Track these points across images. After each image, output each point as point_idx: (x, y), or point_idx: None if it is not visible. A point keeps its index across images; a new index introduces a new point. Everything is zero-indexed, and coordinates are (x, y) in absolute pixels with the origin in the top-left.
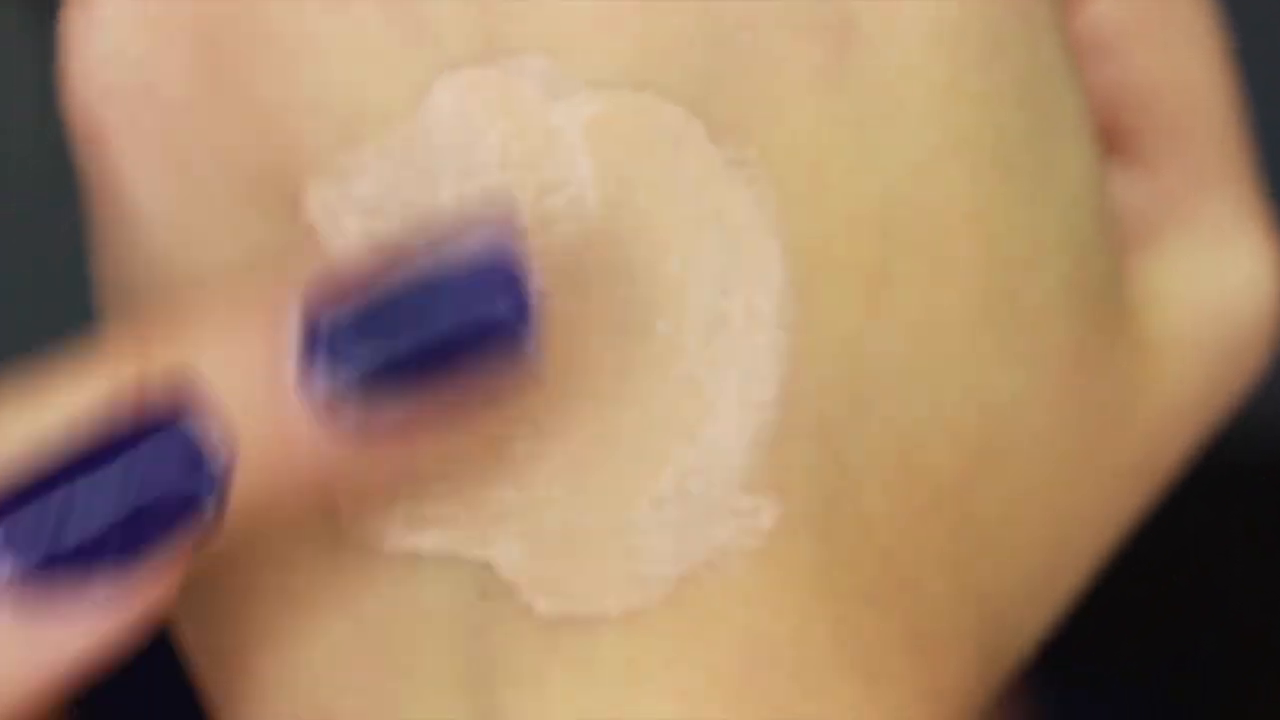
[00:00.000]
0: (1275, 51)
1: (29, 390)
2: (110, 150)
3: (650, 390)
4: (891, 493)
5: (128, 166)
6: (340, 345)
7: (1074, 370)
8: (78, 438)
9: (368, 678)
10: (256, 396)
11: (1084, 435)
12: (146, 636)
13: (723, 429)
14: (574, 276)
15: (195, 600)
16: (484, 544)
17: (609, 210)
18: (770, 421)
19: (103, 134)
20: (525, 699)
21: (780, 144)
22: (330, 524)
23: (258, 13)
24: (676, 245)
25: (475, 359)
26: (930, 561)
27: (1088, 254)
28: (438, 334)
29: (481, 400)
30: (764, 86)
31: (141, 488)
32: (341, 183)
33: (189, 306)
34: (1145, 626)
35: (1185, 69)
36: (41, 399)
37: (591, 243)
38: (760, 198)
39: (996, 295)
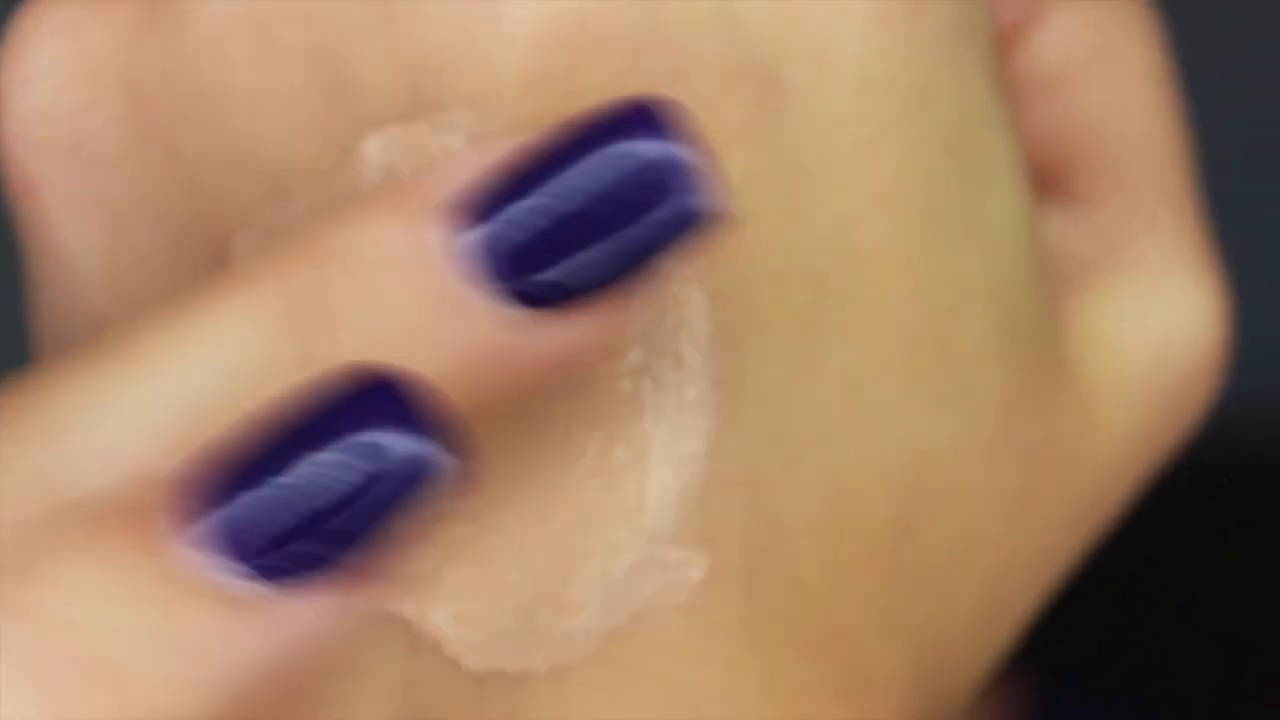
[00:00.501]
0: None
1: (168, 339)
2: (42, 203)
3: (579, 446)
4: (823, 543)
5: (59, 220)
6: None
7: (1008, 416)
8: (287, 408)
9: None
10: (439, 322)
11: (1022, 481)
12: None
13: (651, 484)
14: None
15: None
16: (412, 599)
17: None
18: (699, 475)
19: (34, 187)
20: None
21: None
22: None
23: (185, 68)
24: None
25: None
26: (864, 610)
27: (1018, 299)
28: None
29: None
30: None
31: (371, 458)
32: (268, 238)
33: (332, 225)
34: (1134, 627)
35: (1130, 104)
36: (190, 349)
37: None
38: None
39: (926, 343)
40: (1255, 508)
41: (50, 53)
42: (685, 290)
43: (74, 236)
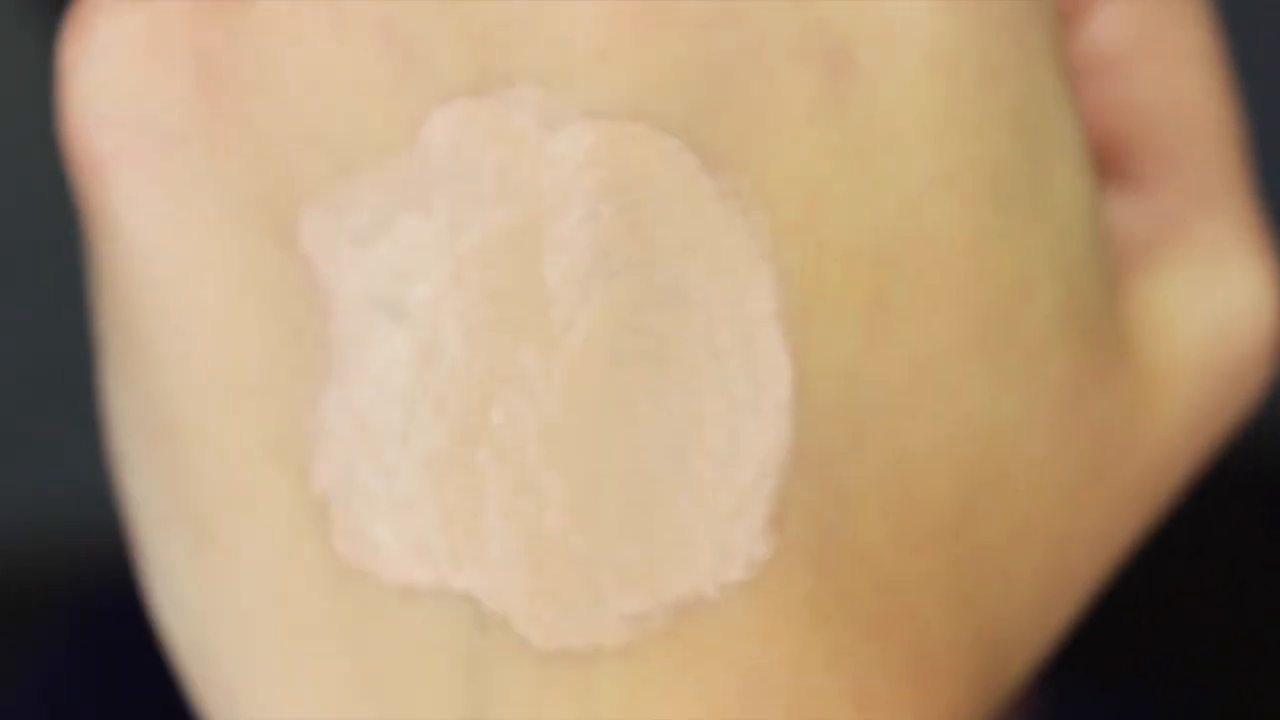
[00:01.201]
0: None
1: None
2: (107, 179)
3: (646, 422)
4: (891, 523)
5: (125, 195)
6: None
7: (1071, 397)
8: None
9: (368, 712)
10: None
11: (1084, 462)
12: None
13: (720, 461)
14: (561, 303)
15: (196, 636)
16: (480, 578)
17: (605, 242)
18: (770, 452)
19: (100, 163)
20: None
21: (775, 175)
22: (328, 557)
23: (255, 42)
24: (673, 277)
25: None
26: (930, 591)
27: (1082, 281)
28: None
29: None
30: (760, 117)
31: None
32: (337, 213)
33: None
34: (1144, 626)
35: (1184, 88)
36: None
37: (585, 278)
38: (754, 228)
39: (992, 323)
40: (1249, 509)
41: (117, 26)
42: (753, 267)
43: (139, 212)
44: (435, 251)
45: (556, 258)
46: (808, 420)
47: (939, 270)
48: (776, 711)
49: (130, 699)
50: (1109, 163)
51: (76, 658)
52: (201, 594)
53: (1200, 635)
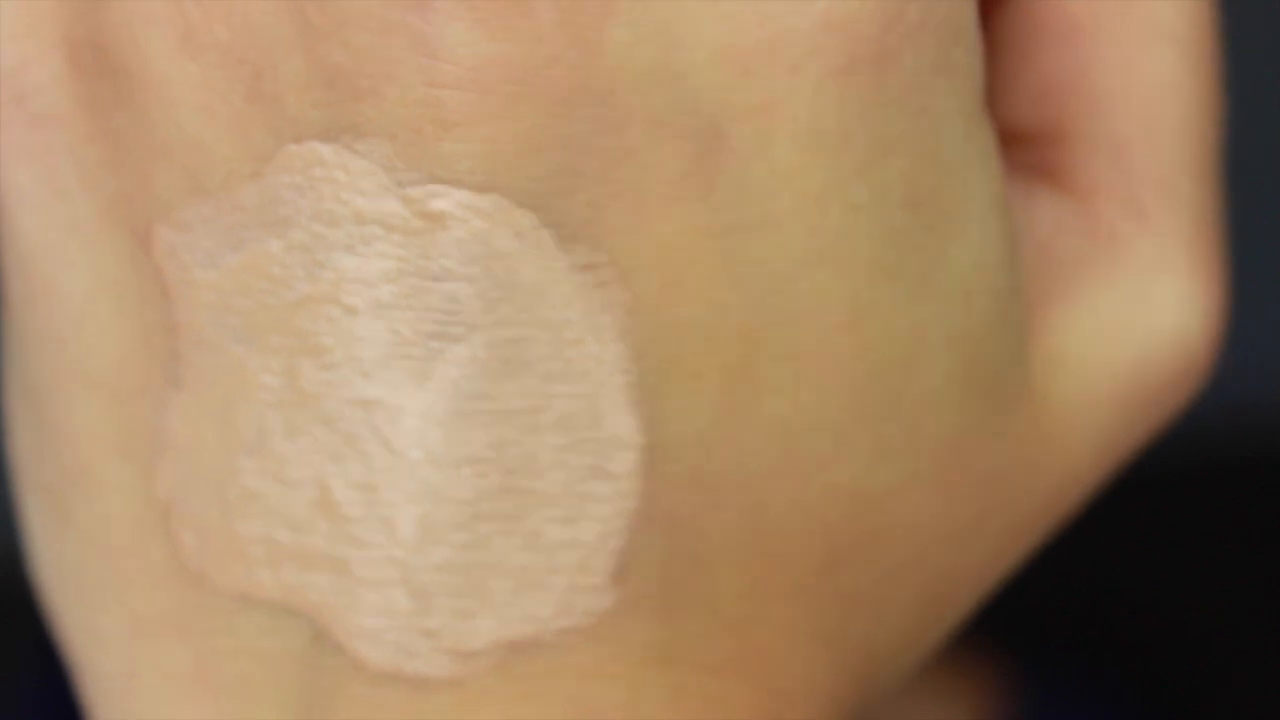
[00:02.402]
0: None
1: None
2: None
3: (491, 476)
4: (746, 578)
5: (9, 183)
6: None
7: (957, 455)
8: None
9: (203, 708)
10: None
11: (967, 510)
12: None
13: (563, 520)
14: (406, 356)
15: (57, 601)
16: (318, 597)
17: (451, 305)
18: (617, 515)
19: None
20: None
21: (634, 251)
22: (171, 556)
23: (115, 45)
24: (518, 346)
25: None
26: (786, 633)
27: (980, 344)
28: None
29: None
30: (619, 193)
31: None
32: (186, 230)
33: None
34: (1120, 625)
35: (1143, 68)
36: None
37: (432, 337)
38: (608, 303)
39: (871, 395)
40: (1247, 508)
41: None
42: (605, 341)
43: (20, 195)
44: (281, 286)
45: (402, 314)
46: (658, 487)
47: (812, 346)
48: None
49: None
50: (1048, 148)
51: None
52: (59, 567)
53: (1186, 635)
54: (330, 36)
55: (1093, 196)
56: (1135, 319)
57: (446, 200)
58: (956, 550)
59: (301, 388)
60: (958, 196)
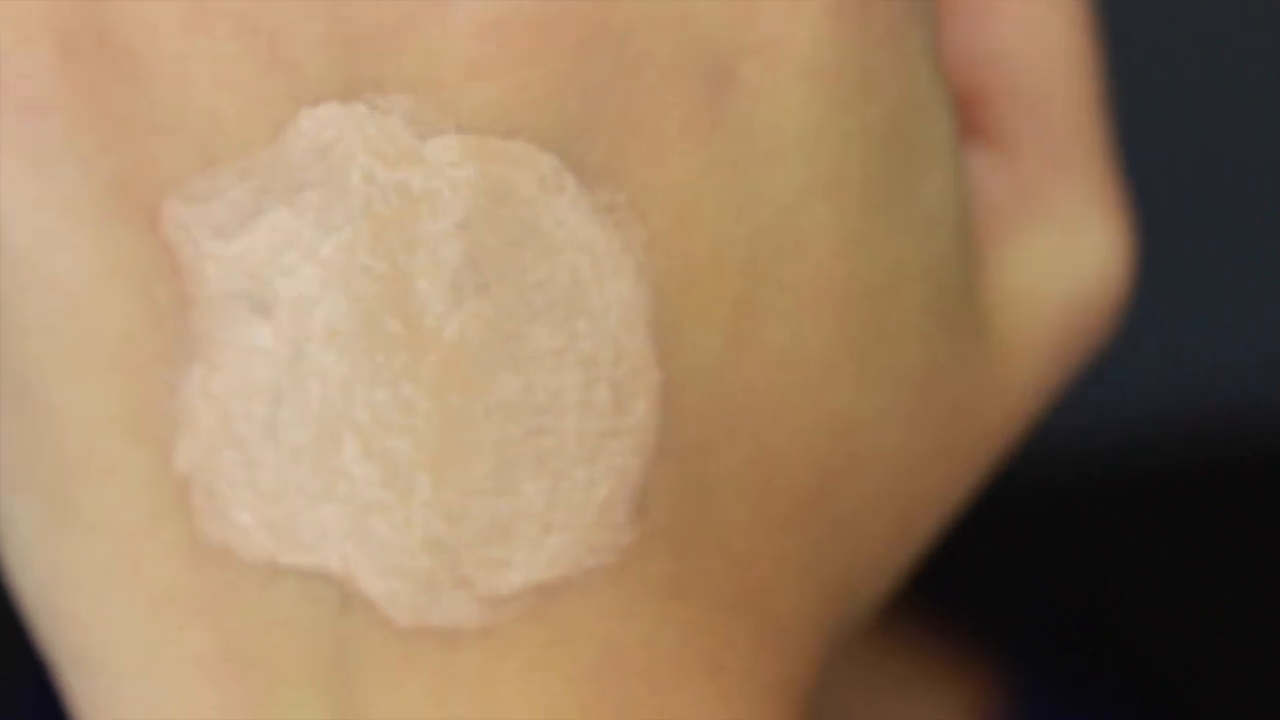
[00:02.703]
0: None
1: None
2: None
3: (514, 422)
4: (749, 507)
5: None
6: None
7: (930, 383)
8: None
9: (230, 687)
10: None
11: (934, 438)
12: None
13: (586, 458)
14: (431, 305)
15: (51, 603)
16: (344, 561)
17: (475, 253)
18: (637, 449)
19: None
20: (386, 708)
21: (653, 188)
22: (189, 534)
23: (117, 27)
24: (543, 288)
25: None
26: (783, 566)
27: (948, 275)
28: None
29: None
30: (637, 133)
31: None
32: (197, 204)
33: None
34: (1117, 627)
35: (1045, 35)
36: None
37: (455, 283)
38: (628, 241)
39: (859, 323)
40: (1247, 508)
41: None
42: (626, 279)
43: (3, 180)
44: (301, 250)
45: (426, 264)
46: (674, 420)
47: (808, 275)
48: (630, 681)
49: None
50: (973, 110)
51: None
52: (57, 563)
53: (1186, 635)
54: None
55: (1017, 152)
56: (1064, 262)
57: (469, 149)
58: (925, 477)
59: (321, 350)
60: (929, 135)
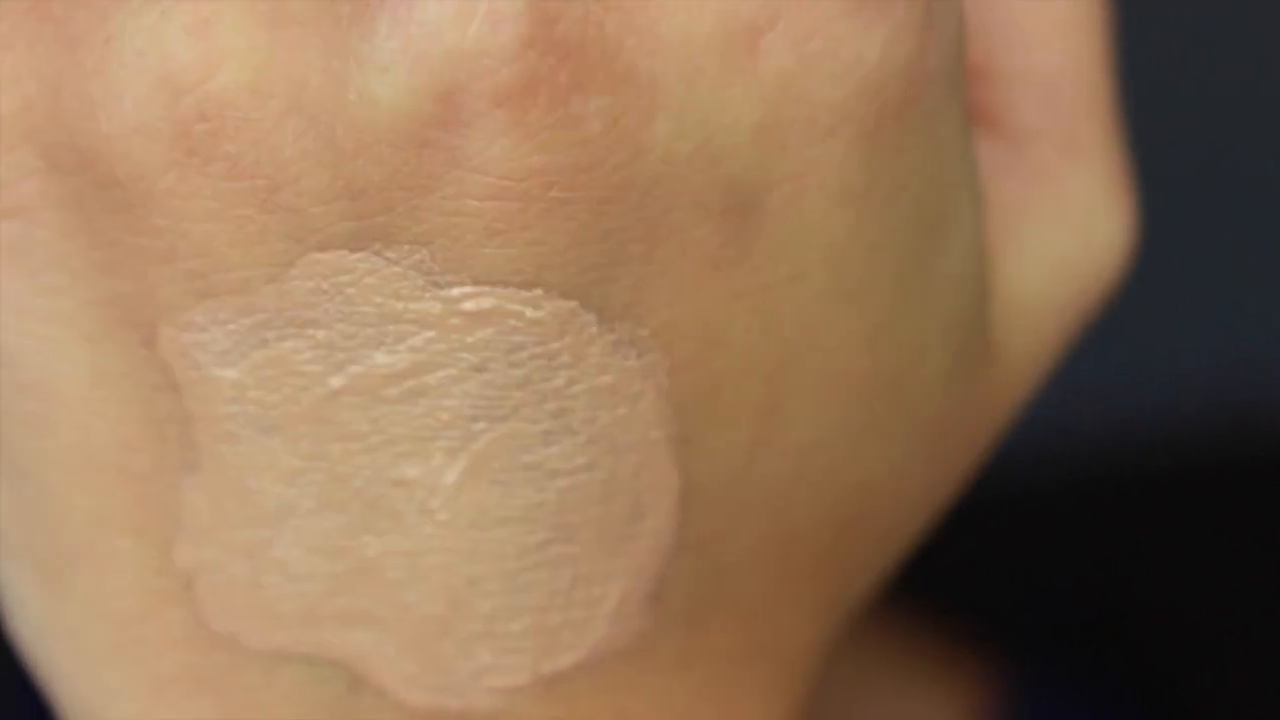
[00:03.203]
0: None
1: None
2: None
3: (530, 530)
4: (767, 578)
5: None
6: None
7: (944, 426)
8: None
9: None
10: None
11: (948, 466)
12: None
13: (602, 558)
14: (444, 437)
15: (51, 659)
16: (355, 647)
17: (492, 392)
18: (655, 549)
19: None
20: None
21: (677, 321)
22: (192, 620)
23: (111, 155)
24: (561, 417)
25: None
26: (799, 610)
27: (966, 324)
28: None
29: None
30: (664, 271)
31: None
32: (196, 333)
33: None
34: (1117, 626)
35: (1055, 11)
36: None
37: (470, 420)
38: (649, 369)
39: (882, 400)
40: (1247, 508)
41: None
42: (646, 403)
43: None
44: (310, 379)
45: (443, 398)
46: (691, 518)
47: (833, 374)
48: None
49: None
50: (983, 94)
51: None
52: (54, 632)
53: (1186, 635)
54: (359, 155)
55: (1027, 138)
56: (1078, 254)
57: (488, 299)
58: (928, 487)
59: (333, 469)
60: (953, 209)
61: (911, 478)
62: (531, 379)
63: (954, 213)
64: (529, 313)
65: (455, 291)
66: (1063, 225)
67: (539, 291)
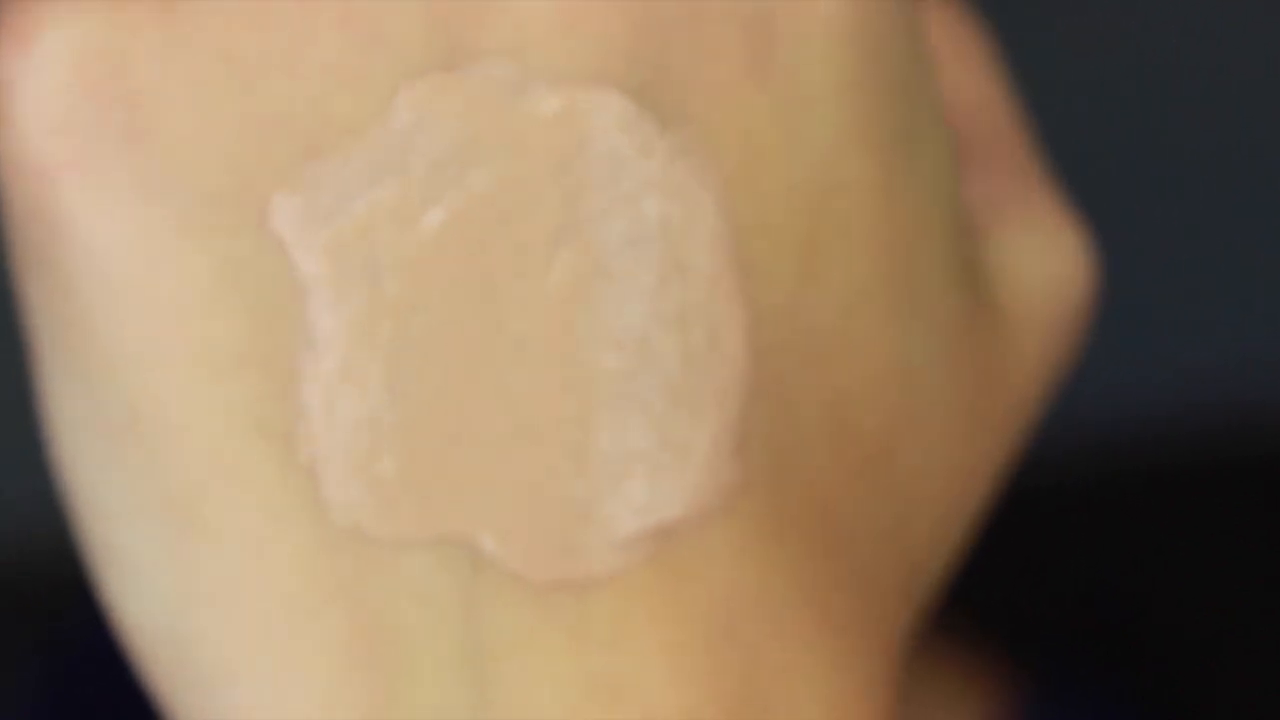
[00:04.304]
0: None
1: None
2: (60, 186)
3: (625, 365)
4: (831, 452)
5: (80, 201)
6: None
7: (960, 337)
8: None
9: (366, 666)
10: None
11: (971, 395)
12: None
13: (689, 395)
14: (535, 254)
15: (171, 628)
16: (473, 521)
17: (574, 196)
18: (734, 384)
19: (51, 171)
20: (523, 668)
21: (717, 130)
22: (319, 522)
23: (215, 34)
24: (636, 227)
25: None
26: (860, 516)
27: (956, 234)
28: None
29: None
30: (700, 78)
31: None
32: (307, 193)
33: None
34: (1129, 628)
35: (986, 89)
36: None
37: (556, 230)
38: (707, 181)
39: (901, 267)
40: (1247, 508)
41: (59, 36)
42: (708, 218)
43: (96, 215)
44: (410, 217)
45: (526, 215)
46: (759, 357)
47: (856, 217)
48: (750, 628)
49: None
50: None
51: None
52: (185, 582)
53: (1187, 635)
54: None
55: (991, 172)
56: (1042, 259)
57: (559, 100)
58: (966, 442)
59: (432, 311)
60: (926, 98)
61: (945, 392)
62: (604, 184)
63: (927, 108)
64: (600, 111)
65: (535, 95)
66: (1031, 229)
67: (605, 90)
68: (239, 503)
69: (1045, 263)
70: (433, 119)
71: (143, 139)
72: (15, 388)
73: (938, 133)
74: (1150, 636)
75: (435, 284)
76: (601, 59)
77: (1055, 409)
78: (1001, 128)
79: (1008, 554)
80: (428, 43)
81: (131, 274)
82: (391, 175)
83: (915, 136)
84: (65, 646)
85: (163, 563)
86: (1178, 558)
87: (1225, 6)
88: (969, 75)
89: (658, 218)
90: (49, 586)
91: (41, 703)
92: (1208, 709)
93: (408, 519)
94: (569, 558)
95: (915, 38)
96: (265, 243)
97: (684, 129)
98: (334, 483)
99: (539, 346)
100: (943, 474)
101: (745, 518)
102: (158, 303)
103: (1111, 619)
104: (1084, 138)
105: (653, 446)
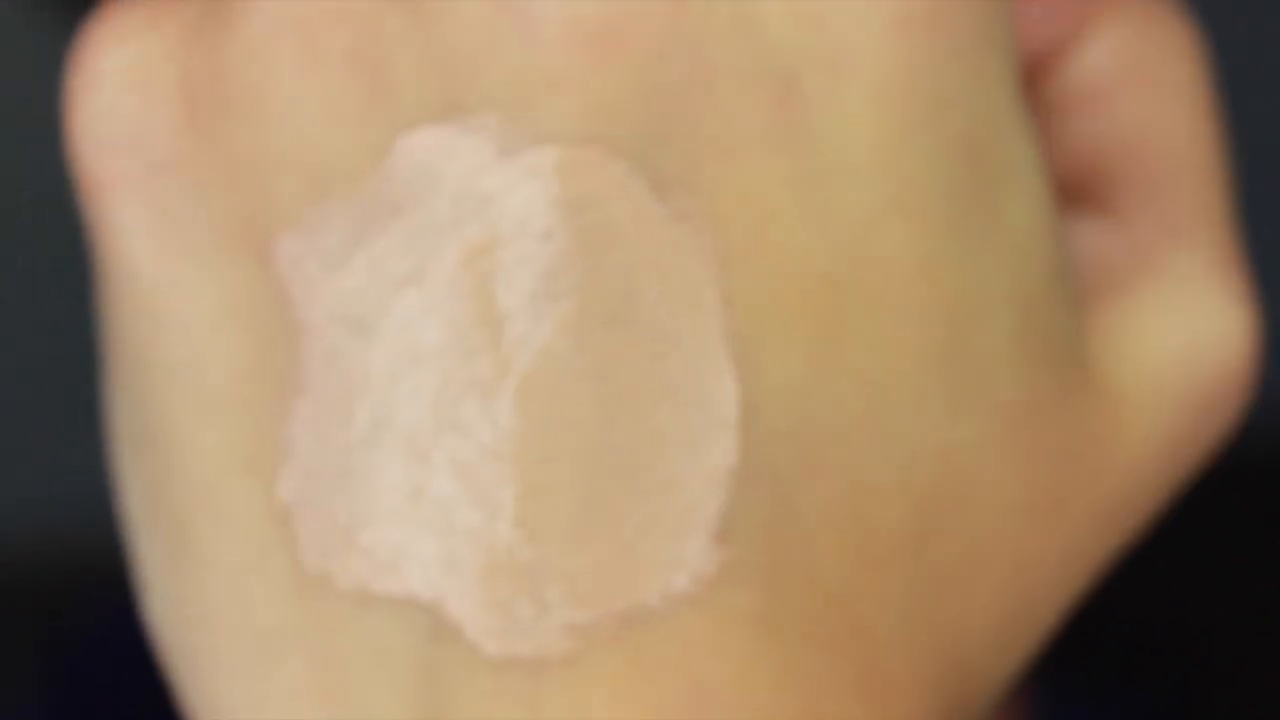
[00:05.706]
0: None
1: None
2: (106, 201)
3: (594, 438)
4: (843, 540)
5: (121, 217)
6: None
7: (1028, 418)
8: None
9: (322, 715)
10: None
11: (1046, 484)
12: None
13: (667, 477)
14: (519, 317)
15: (178, 640)
16: (434, 588)
17: (557, 263)
18: (718, 469)
19: (100, 185)
20: None
21: (725, 199)
22: (291, 566)
23: (238, 73)
24: (623, 297)
25: None
26: (884, 608)
27: (1039, 305)
28: None
29: None
30: (710, 143)
31: None
32: (309, 235)
33: None
34: (1144, 630)
35: (1164, 120)
36: None
37: (539, 295)
38: (703, 250)
39: (946, 347)
40: (1247, 508)
41: (111, 59)
42: (700, 290)
43: (133, 232)
44: (397, 274)
45: (511, 278)
46: (758, 440)
47: (891, 294)
48: None
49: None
50: (1087, 192)
51: (86, 657)
52: (180, 600)
53: (1188, 635)
54: (442, 20)
55: (1131, 220)
56: (1181, 322)
57: (547, 158)
58: (1034, 530)
59: (414, 370)
60: (1010, 158)
61: (1000, 475)
62: (592, 248)
63: (1010, 167)
64: (587, 173)
65: (522, 155)
66: (1165, 293)
67: (595, 150)
68: (222, 536)
69: (1178, 333)
70: (425, 172)
71: (171, 165)
72: (15, 388)
73: (1023, 194)
74: (1151, 637)
75: (417, 343)
76: (593, 118)
77: None
78: (1178, 165)
79: None
80: (424, 93)
81: (153, 293)
82: (387, 226)
83: (988, 202)
84: (65, 646)
85: (165, 579)
86: (1178, 558)
87: (1225, 6)
88: (1143, 103)
89: (646, 290)
90: (49, 586)
91: (41, 703)
92: (1209, 710)
93: (370, 575)
94: (523, 636)
95: (1002, 85)
96: (266, 281)
97: (684, 195)
98: (305, 532)
99: (509, 412)
100: (1001, 568)
101: (725, 608)
102: (172, 324)
103: (1113, 620)
104: None
105: (615, 523)
